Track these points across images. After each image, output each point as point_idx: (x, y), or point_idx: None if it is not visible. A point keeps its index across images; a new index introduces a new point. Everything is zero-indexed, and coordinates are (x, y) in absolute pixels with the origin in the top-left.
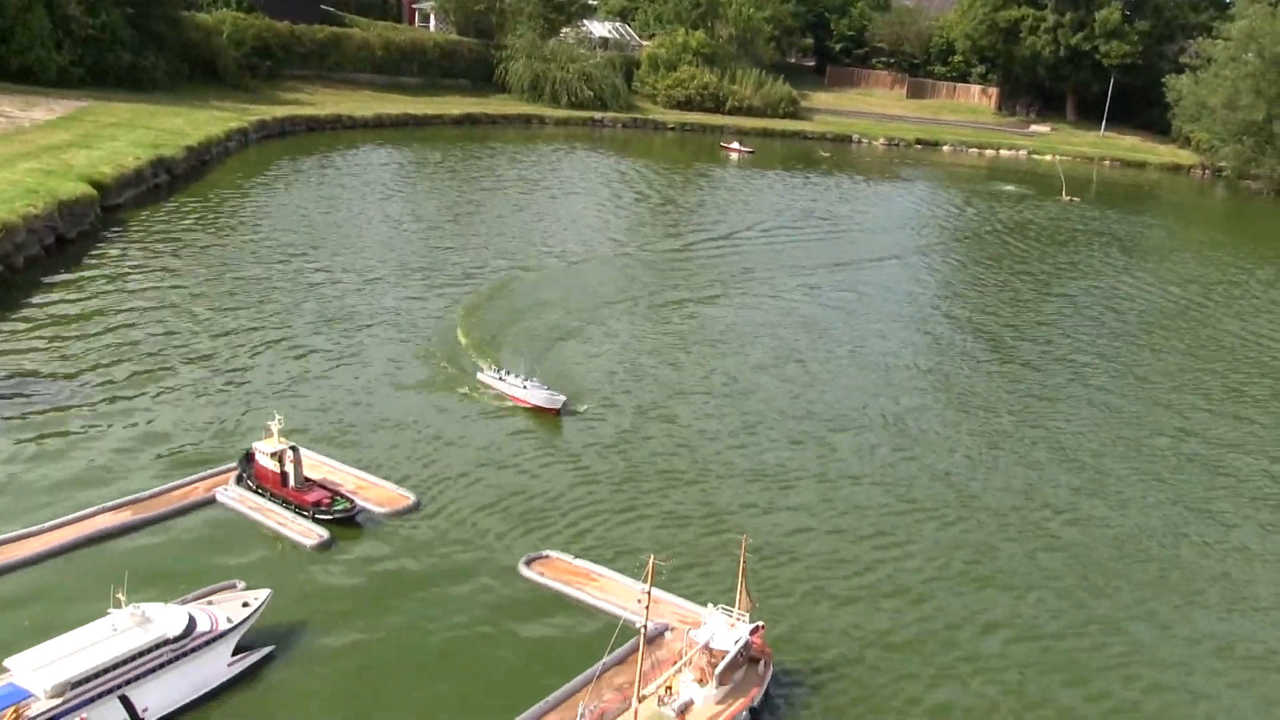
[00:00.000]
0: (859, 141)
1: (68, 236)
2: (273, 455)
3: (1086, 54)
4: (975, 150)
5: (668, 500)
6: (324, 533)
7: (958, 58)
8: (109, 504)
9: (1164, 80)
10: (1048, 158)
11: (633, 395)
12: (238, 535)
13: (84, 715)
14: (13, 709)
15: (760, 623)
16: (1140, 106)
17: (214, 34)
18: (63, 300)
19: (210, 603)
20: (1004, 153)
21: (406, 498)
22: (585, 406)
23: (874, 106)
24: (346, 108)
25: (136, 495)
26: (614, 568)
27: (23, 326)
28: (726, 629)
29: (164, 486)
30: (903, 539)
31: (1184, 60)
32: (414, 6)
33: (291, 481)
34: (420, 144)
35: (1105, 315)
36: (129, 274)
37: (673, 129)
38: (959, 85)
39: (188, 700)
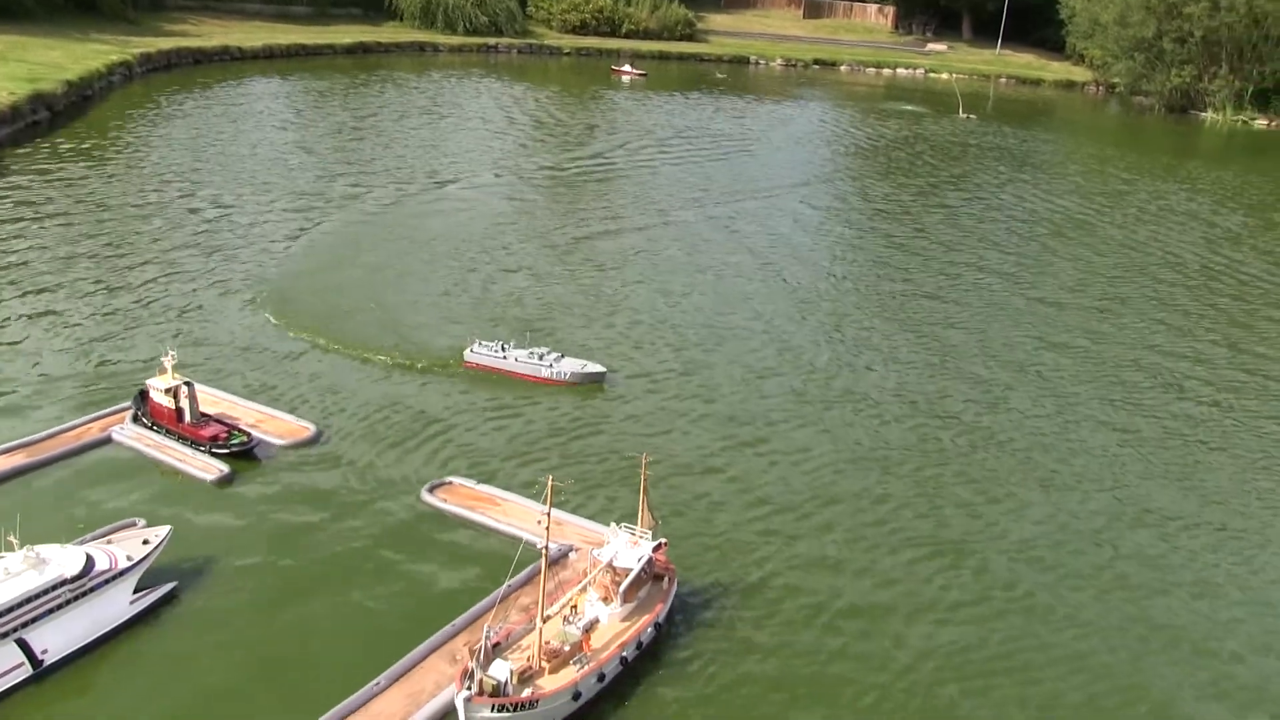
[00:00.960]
0: (756, 63)
1: None
2: (167, 391)
3: None
4: (873, 70)
5: (567, 422)
6: (224, 467)
7: None
8: (0, 447)
9: None
10: (944, 76)
11: (524, 321)
12: (136, 474)
13: None
14: None
15: (663, 540)
16: (1035, 24)
17: None
18: None
19: (109, 542)
20: (901, 71)
21: (306, 429)
22: (476, 339)
23: (771, 28)
24: (234, 39)
25: (29, 438)
26: (517, 492)
27: None
28: (629, 547)
29: (58, 428)
30: (801, 452)
31: None
32: None
33: (187, 417)
34: (311, 74)
35: (994, 224)
36: (8, 214)
37: (568, 54)
38: (856, 5)
39: (89, 640)
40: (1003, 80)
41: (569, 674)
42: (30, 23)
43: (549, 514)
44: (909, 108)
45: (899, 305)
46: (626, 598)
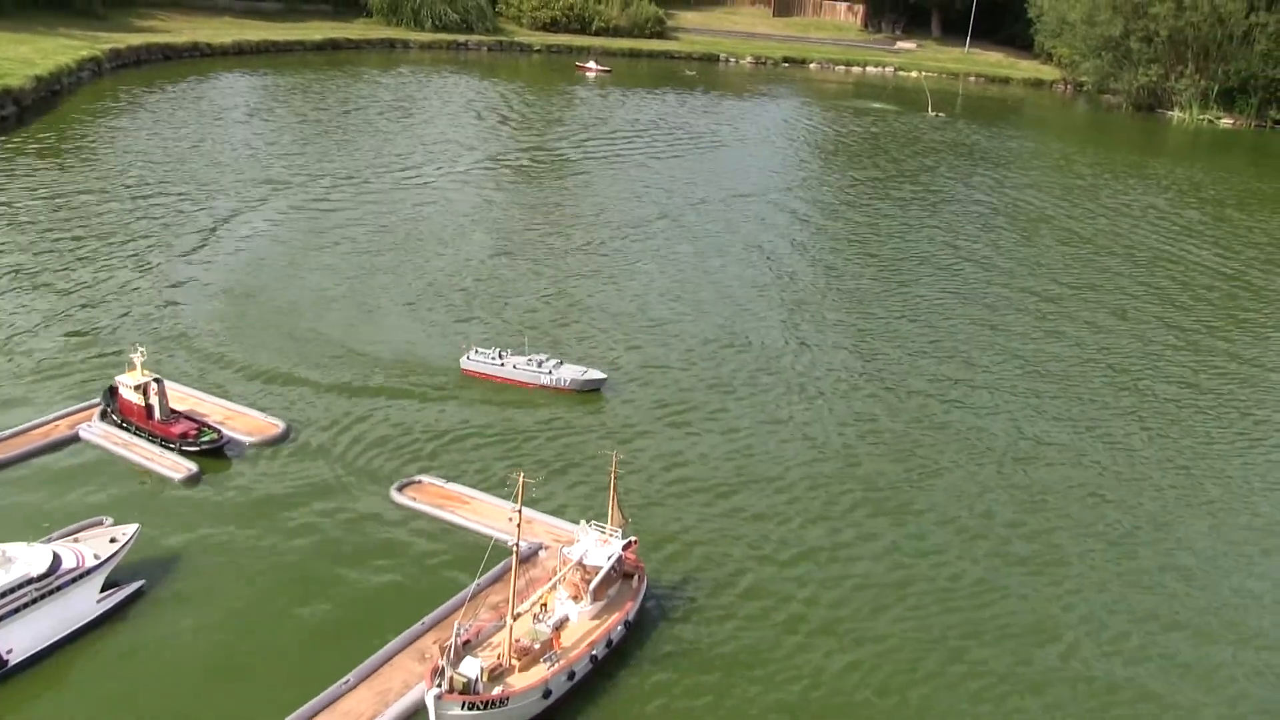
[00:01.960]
0: (726, 60)
1: None
2: (136, 388)
3: None
4: (842, 68)
5: (542, 423)
6: (192, 465)
7: None
8: None
9: None
10: (914, 74)
11: (492, 317)
12: (104, 471)
13: None
14: None
15: (633, 538)
16: (1004, 22)
17: None
18: None
19: (76, 540)
20: (870, 70)
21: (275, 426)
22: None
23: (741, 25)
24: (204, 35)
25: None
26: (486, 490)
27: None
28: (599, 545)
29: (24, 425)
30: (775, 454)
31: None
32: None
33: (157, 414)
34: (281, 71)
35: (958, 219)
36: None
37: (539, 51)
38: (825, 3)
39: (56, 639)
40: (971, 78)
41: (539, 672)
42: (0, 17)
43: (519, 511)
44: (878, 105)
45: (877, 301)
46: (596, 596)
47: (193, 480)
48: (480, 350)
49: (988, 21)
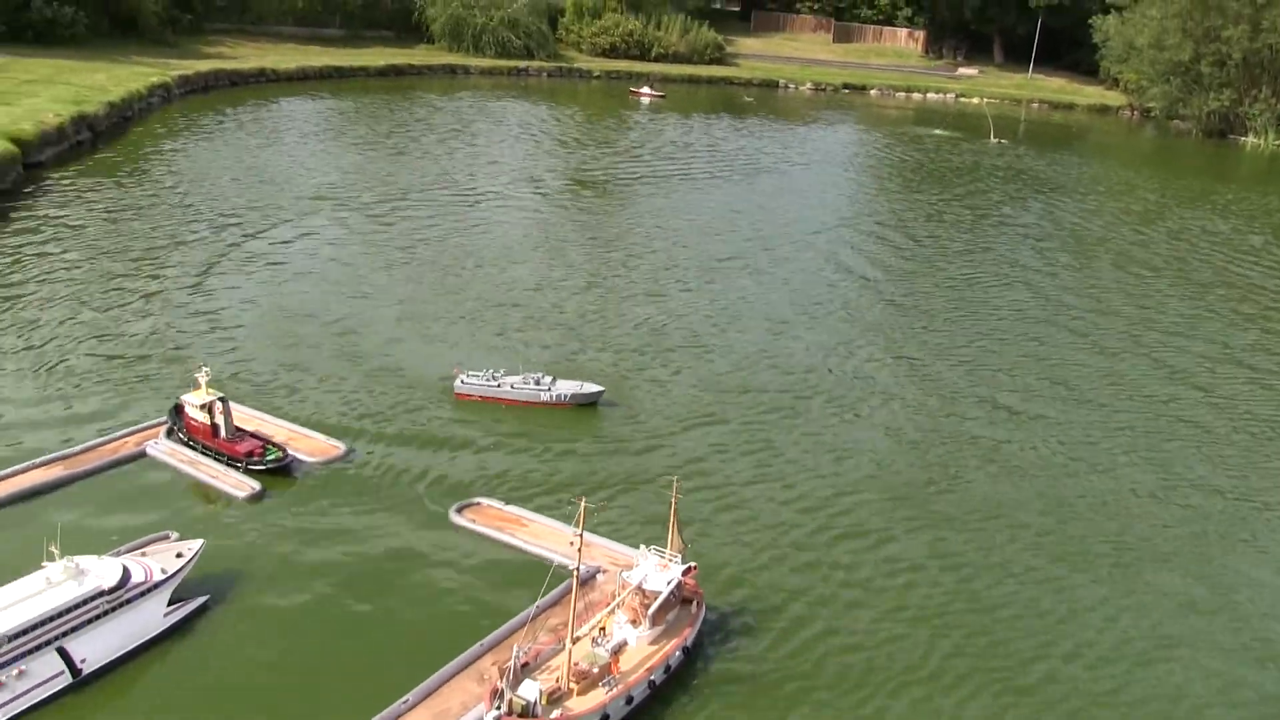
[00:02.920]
0: (785, 87)
1: None
2: (202, 407)
3: None
4: (903, 94)
5: (600, 447)
6: (256, 484)
7: (884, 0)
8: (39, 460)
9: (1091, 20)
10: (975, 100)
11: (549, 341)
12: (170, 488)
13: (21, 668)
14: None
15: (693, 564)
16: (1067, 47)
17: None
18: None
19: (144, 554)
20: (931, 96)
21: (337, 447)
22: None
23: (800, 51)
24: (270, 61)
25: (66, 451)
26: (546, 513)
27: None
28: (659, 570)
29: (94, 442)
30: (837, 478)
31: (1111, 0)
32: None
33: (222, 433)
34: (344, 96)
35: (1020, 248)
36: (54, 231)
37: (598, 77)
38: (885, 29)
39: (125, 650)
40: (1034, 105)
41: (597, 696)
42: (78, 47)
43: (580, 535)
44: (939, 132)
45: (938, 329)
46: (655, 621)
47: (256, 498)
48: (471, 373)
49: (1051, 47)
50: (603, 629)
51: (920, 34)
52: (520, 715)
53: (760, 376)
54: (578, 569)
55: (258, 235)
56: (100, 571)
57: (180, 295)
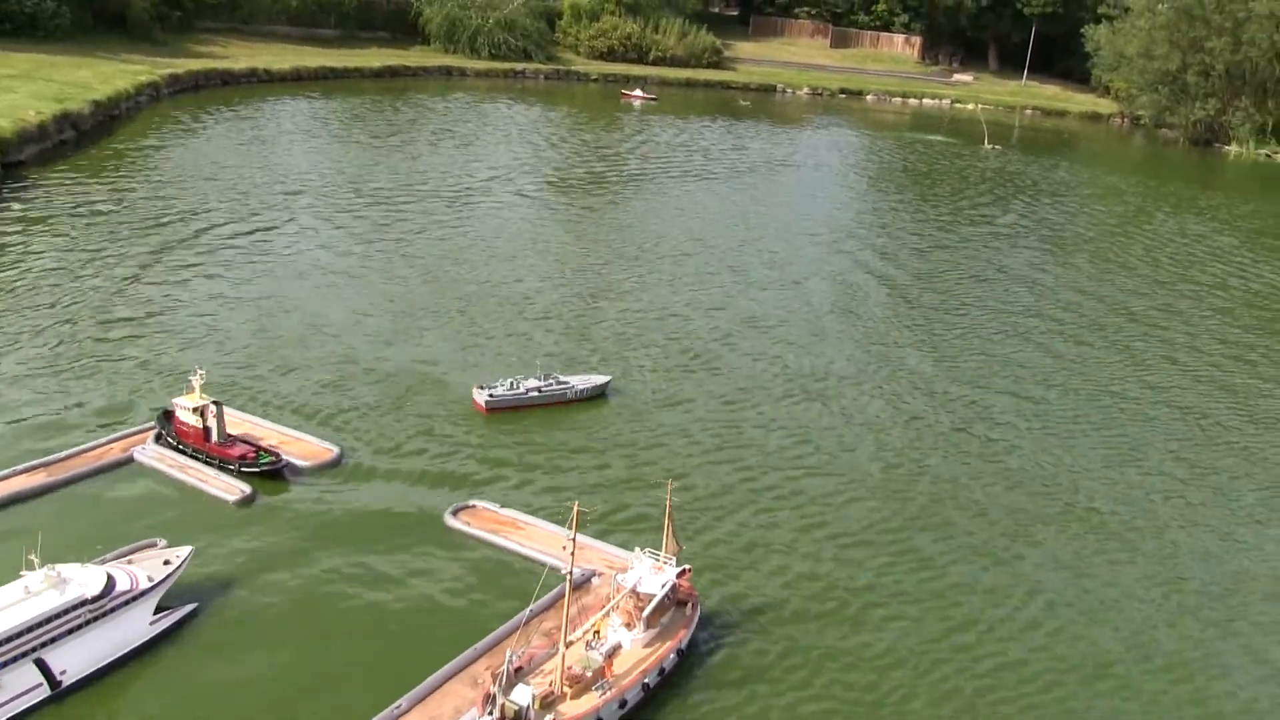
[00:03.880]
0: (783, 91)
1: None
2: (194, 411)
3: (1008, 3)
4: (899, 99)
5: (589, 443)
6: (246, 488)
7: (881, 6)
8: (21, 466)
9: (1083, 30)
10: (970, 107)
11: (543, 340)
12: (158, 493)
13: None
14: None
15: (687, 566)
16: (1061, 55)
17: None
18: None
19: (130, 562)
20: (927, 102)
21: (330, 450)
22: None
23: (798, 56)
24: (263, 61)
25: (50, 457)
26: (540, 516)
27: None
28: (653, 573)
29: (79, 448)
30: (830, 483)
31: (1102, 10)
32: None
33: (215, 437)
34: (338, 97)
35: (1018, 249)
36: (33, 232)
37: (595, 80)
38: (882, 35)
39: (109, 660)
40: (1028, 111)
41: (591, 700)
42: (60, 42)
43: (574, 539)
44: (934, 138)
45: (933, 330)
46: (650, 624)
47: (247, 503)
48: (492, 386)
49: (1045, 55)
50: (597, 632)
51: (916, 40)
52: None
53: (755, 377)
54: (571, 572)
55: (245, 238)
56: (83, 580)
57: (167, 299)
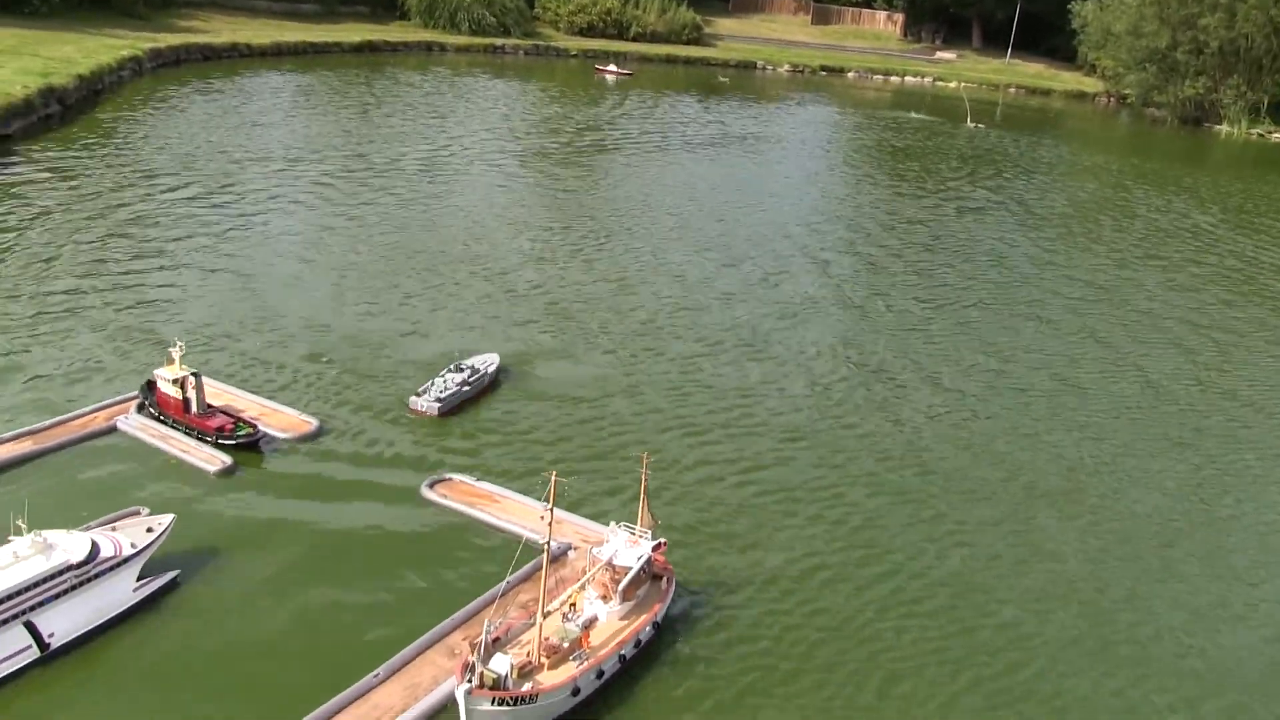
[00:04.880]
0: (763, 68)
1: None
2: (174, 382)
3: None
4: (880, 77)
5: (571, 424)
6: (227, 459)
7: None
8: (6, 435)
9: (1070, 6)
10: (953, 85)
11: (520, 322)
12: (140, 463)
13: None
14: None
15: (662, 540)
16: (1046, 33)
17: None
18: None
19: (114, 529)
20: (909, 79)
21: (309, 423)
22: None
23: (778, 33)
24: (243, 36)
25: (35, 426)
26: (517, 489)
27: None
28: (629, 546)
29: (63, 417)
30: (808, 457)
31: None
32: None
33: (194, 408)
34: (318, 71)
35: (992, 230)
36: (18, 205)
37: (575, 56)
38: (864, 11)
39: (94, 625)
40: (1012, 89)
41: (568, 670)
42: (45, 18)
43: (551, 511)
44: (915, 115)
45: (909, 309)
46: (625, 596)
47: (227, 473)
48: (428, 389)
49: (1029, 32)
50: (573, 604)
51: (899, 17)
52: (491, 688)
53: (730, 352)
54: (548, 544)
55: (228, 209)
56: (68, 546)
57: (149, 270)
